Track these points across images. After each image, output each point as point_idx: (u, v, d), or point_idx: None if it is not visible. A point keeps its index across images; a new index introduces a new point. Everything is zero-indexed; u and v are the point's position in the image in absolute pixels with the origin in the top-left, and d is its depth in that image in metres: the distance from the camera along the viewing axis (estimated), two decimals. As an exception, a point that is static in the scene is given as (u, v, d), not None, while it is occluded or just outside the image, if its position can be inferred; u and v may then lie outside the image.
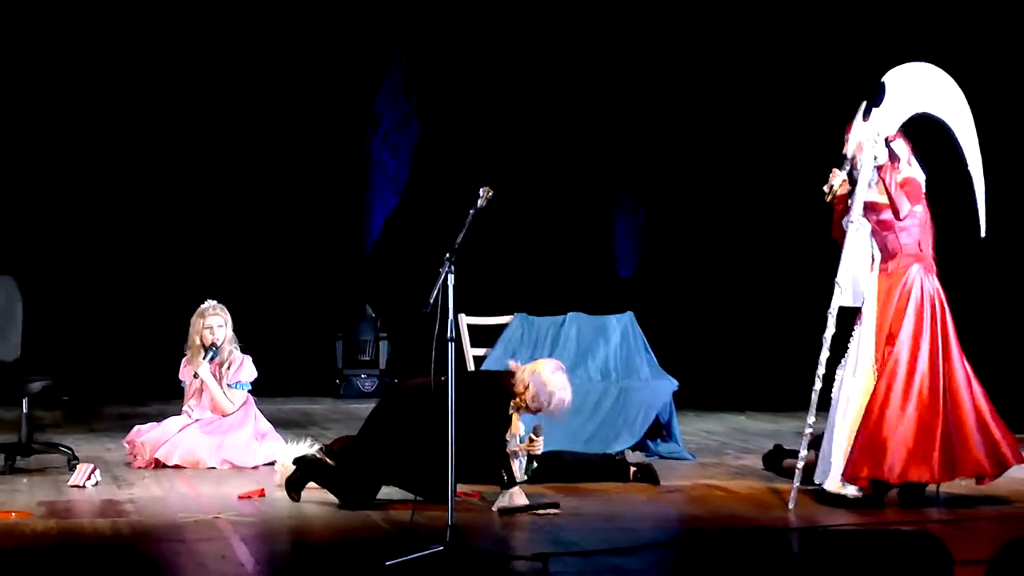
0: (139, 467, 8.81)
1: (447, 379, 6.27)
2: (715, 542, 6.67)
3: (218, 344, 9.15)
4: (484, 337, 9.70)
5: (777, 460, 8.70)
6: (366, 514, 7.20)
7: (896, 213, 7.49)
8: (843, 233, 7.59)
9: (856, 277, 7.58)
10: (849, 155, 7.56)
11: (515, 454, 7.58)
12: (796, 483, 7.47)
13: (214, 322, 9.15)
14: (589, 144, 14.84)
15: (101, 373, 13.29)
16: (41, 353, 9.67)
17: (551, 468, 8.28)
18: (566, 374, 7.61)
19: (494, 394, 7.42)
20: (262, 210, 14.36)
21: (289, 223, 14.45)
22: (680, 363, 10.22)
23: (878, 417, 7.38)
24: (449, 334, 6.15)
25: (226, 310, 9.23)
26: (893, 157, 7.52)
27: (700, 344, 14.14)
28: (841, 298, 7.55)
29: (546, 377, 7.46)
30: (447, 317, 6.16)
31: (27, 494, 7.80)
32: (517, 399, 7.48)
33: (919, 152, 7.67)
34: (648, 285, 14.66)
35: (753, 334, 14.42)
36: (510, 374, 7.56)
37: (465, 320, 9.62)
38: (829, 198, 7.54)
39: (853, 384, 7.52)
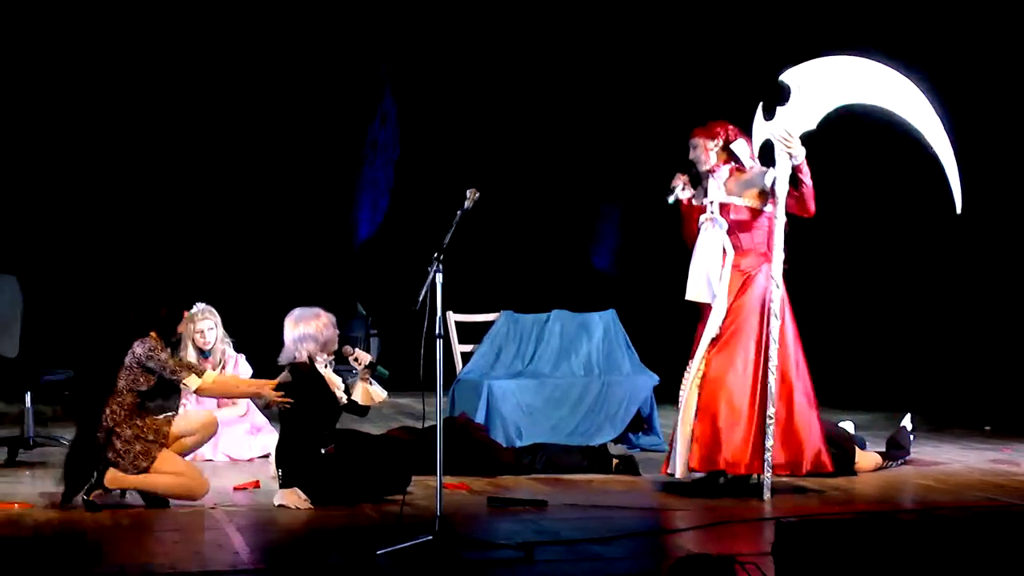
0: (137, 459, 8.96)
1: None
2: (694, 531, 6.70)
3: (208, 347, 9.22)
4: (471, 334, 9.84)
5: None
6: (358, 505, 7.27)
7: (809, 211, 7.60)
8: (695, 233, 7.77)
9: (709, 274, 7.70)
10: (754, 155, 7.71)
11: (365, 379, 7.62)
12: (769, 473, 7.53)
13: (204, 325, 9.21)
14: (569, 148, 14.92)
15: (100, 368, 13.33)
16: (41, 349, 9.78)
17: (536, 460, 8.44)
18: (295, 314, 7.56)
19: (296, 377, 7.46)
20: (254, 210, 14.45)
21: (280, 222, 14.53)
22: (660, 359, 10.28)
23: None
24: (437, 331, 6.25)
25: (215, 312, 9.27)
26: (735, 159, 7.68)
27: (678, 341, 14.23)
28: (694, 293, 7.73)
29: (290, 331, 7.51)
30: (435, 315, 6.25)
31: (29, 486, 7.88)
32: (308, 360, 7.48)
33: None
34: (628, 282, 14.70)
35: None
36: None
37: (453, 317, 9.82)
38: (672, 200, 7.72)
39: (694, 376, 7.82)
